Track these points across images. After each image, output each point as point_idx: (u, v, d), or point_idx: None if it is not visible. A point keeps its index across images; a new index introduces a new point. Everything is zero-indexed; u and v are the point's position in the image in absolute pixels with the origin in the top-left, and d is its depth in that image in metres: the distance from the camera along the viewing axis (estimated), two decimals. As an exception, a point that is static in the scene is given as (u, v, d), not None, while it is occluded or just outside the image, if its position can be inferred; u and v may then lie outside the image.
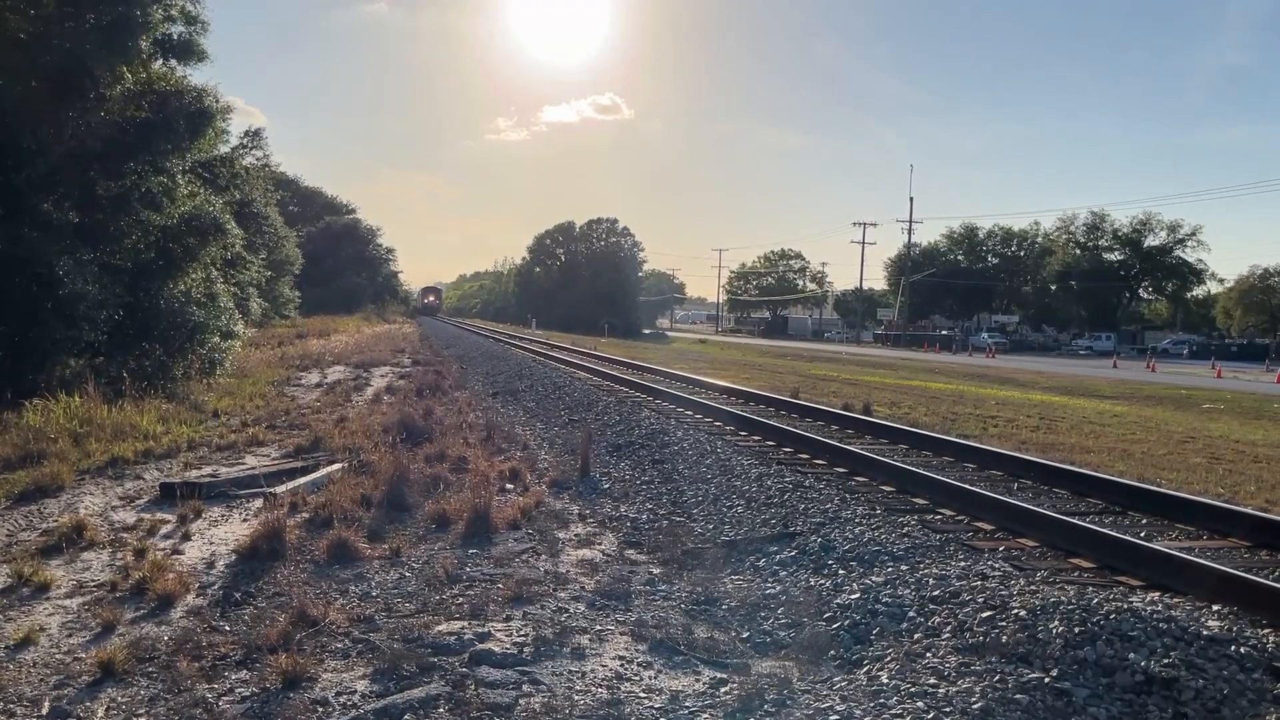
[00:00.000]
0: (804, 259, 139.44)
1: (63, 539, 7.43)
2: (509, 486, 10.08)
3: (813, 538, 7.49)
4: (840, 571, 6.74)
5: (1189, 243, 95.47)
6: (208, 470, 10.48)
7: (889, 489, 9.16)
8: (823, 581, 6.61)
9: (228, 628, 5.75)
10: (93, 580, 6.63)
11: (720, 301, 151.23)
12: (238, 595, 6.35)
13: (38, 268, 14.16)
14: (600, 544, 8.00)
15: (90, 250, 15.73)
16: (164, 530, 8.03)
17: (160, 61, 17.91)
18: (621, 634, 5.78)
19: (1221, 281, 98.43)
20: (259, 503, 8.89)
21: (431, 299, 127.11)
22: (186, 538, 7.81)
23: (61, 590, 6.41)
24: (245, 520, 8.44)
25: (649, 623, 5.94)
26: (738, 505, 8.82)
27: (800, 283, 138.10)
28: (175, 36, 17.68)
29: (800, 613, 6.11)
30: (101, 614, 5.84)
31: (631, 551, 7.80)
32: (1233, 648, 4.82)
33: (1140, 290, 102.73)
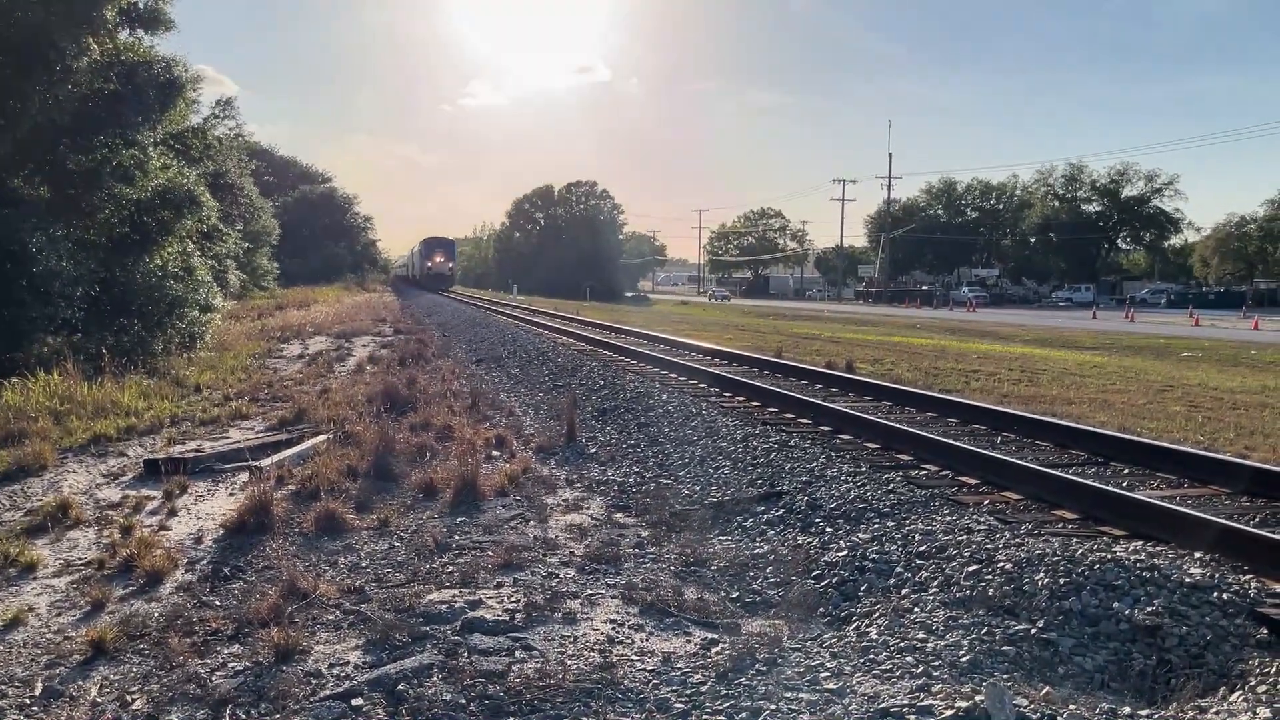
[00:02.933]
0: (784, 218, 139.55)
1: (48, 518, 7.38)
2: (495, 454, 10.09)
3: (799, 496, 7.54)
4: (827, 529, 6.78)
5: (1166, 192, 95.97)
6: (192, 445, 10.43)
7: (874, 446, 9.20)
8: (810, 540, 6.66)
9: (218, 603, 5.75)
10: (80, 559, 6.60)
11: (701, 262, 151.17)
12: (227, 570, 6.34)
13: (10, 245, 13.98)
14: (588, 508, 8.03)
15: (63, 226, 15.54)
16: (150, 507, 8.00)
17: (127, 32, 17.63)
18: (612, 598, 5.81)
19: (1199, 230, 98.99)
20: (244, 476, 8.86)
21: (440, 259, 75.42)
22: (173, 514, 7.78)
23: (49, 570, 6.38)
24: (231, 494, 8.42)
25: (639, 585, 5.97)
26: (724, 466, 8.86)
27: (781, 242, 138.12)
28: (141, 6, 17.41)
29: (789, 571, 6.16)
30: (90, 592, 5.82)
31: (620, 515, 7.83)
32: (1215, 594, 4.89)
33: (1118, 241, 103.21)
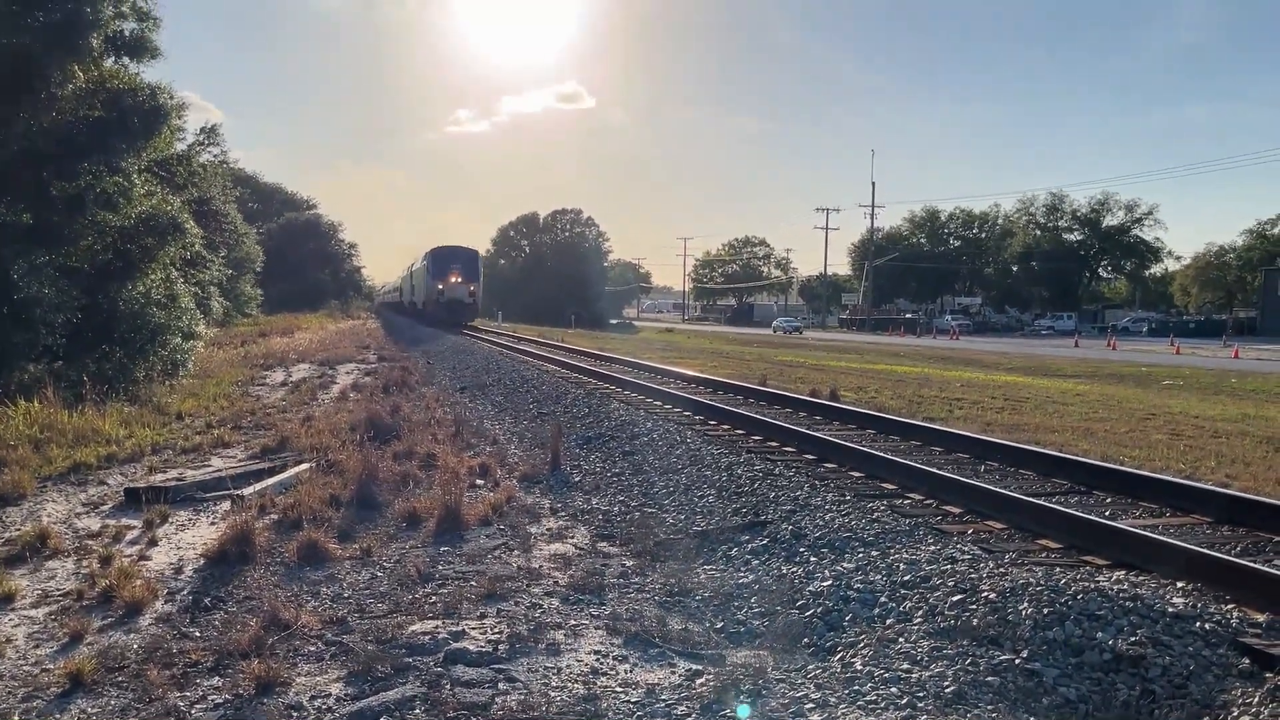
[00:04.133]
0: (768, 245, 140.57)
1: (26, 548, 7.30)
2: (479, 482, 10.05)
3: (784, 525, 7.53)
4: (812, 559, 6.78)
5: (1146, 221, 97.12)
6: (173, 474, 10.35)
7: (858, 474, 9.22)
8: (795, 569, 6.65)
9: (198, 634, 5.69)
10: (58, 589, 6.53)
11: (686, 290, 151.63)
12: (207, 600, 6.29)
13: (-8, 272, 13.91)
14: (573, 538, 8.00)
15: (45, 253, 15.46)
16: (130, 536, 7.92)
17: (112, 59, 17.64)
18: (596, 628, 5.78)
19: (1178, 259, 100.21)
20: (226, 505, 8.80)
21: (457, 279, 49.29)
22: (153, 543, 7.72)
23: (27, 600, 6.31)
24: (213, 524, 8.36)
25: (623, 616, 5.95)
26: (709, 495, 8.85)
27: (765, 269, 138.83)
28: (127, 33, 17.44)
29: (773, 601, 6.14)
30: (68, 623, 5.75)
31: (604, 544, 7.80)
32: (1198, 624, 4.91)
33: (1100, 269, 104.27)
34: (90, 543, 7.70)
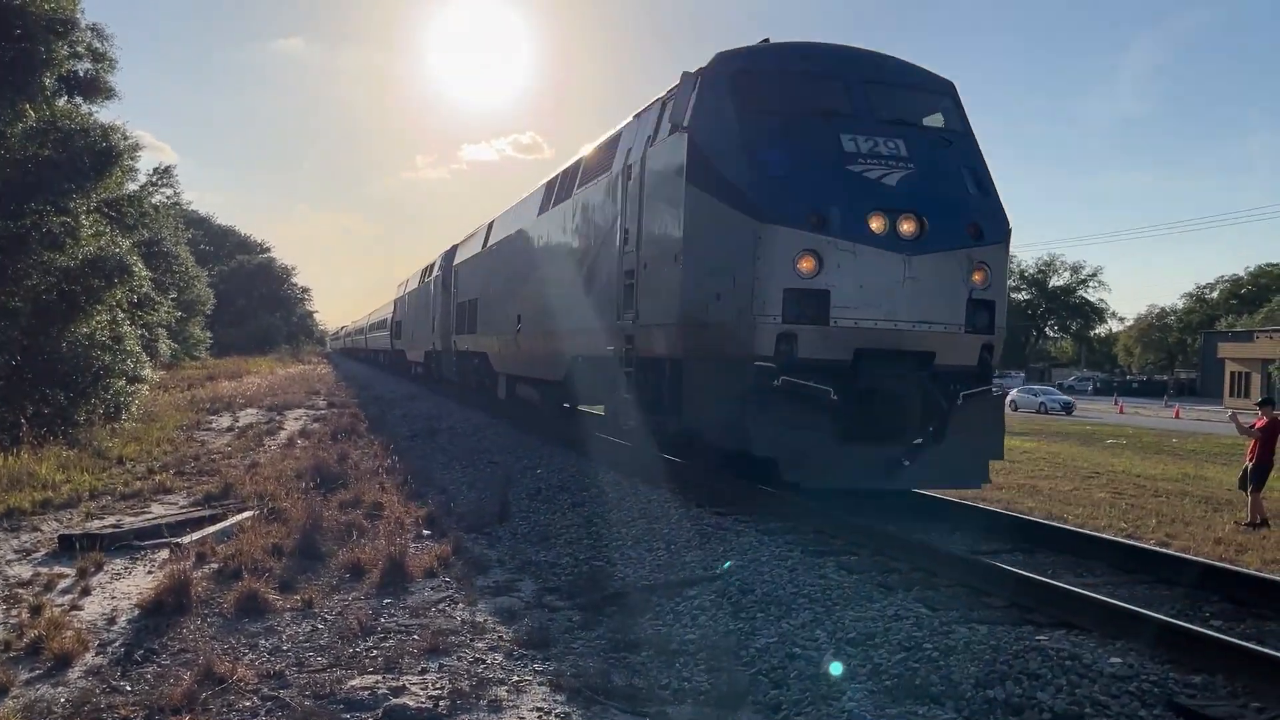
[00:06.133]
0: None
1: (-48, 597, 7.09)
2: (426, 532, 9.92)
3: (732, 581, 7.52)
4: (758, 615, 6.76)
5: (1091, 283, 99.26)
6: (110, 520, 10.11)
7: (806, 531, 9.24)
8: (741, 625, 6.63)
9: (129, 688, 5.54)
10: (-16, 640, 6.33)
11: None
12: (140, 653, 6.12)
13: (-70, 310, 13.62)
14: (519, 591, 7.91)
15: (-13, 292, 15.20)
16: (62, 585, 7.71)
17: (65, 99, 17.49)
18: (540, 684, 5.71)
19: (1122, 320, 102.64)
20: (165, 554, 8.60)
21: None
22: (86, 592, 7.51)
23: (-50, 652, 6.10)
24: (150, 573, 8.16)
25: (568, 672, 5.88)
26: (658, 548, 8.81)
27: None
28: (81, 74, 17.33)
29: (719, 657, 6.11)
30: (-7, 676, 5.57)
31: (551, 598, 7.72)
32: (1134, 684, 4.97)
33: (1046, 329, 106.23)
34: (20, 591, 7.48)
